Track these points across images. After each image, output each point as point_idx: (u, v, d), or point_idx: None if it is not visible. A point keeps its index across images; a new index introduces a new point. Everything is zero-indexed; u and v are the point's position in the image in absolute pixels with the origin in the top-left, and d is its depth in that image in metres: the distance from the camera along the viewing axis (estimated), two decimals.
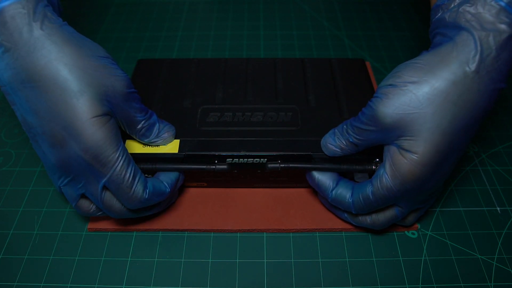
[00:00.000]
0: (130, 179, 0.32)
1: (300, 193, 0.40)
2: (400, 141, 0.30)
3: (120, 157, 0.31)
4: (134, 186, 0.32)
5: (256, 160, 0.37)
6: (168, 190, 0.35)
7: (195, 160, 0.37)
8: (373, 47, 0.58)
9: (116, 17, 0.64)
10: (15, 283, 0.35)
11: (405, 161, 0.30)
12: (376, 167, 0.36)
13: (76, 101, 0.29)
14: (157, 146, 0.37)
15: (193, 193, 0.41)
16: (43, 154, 0.32)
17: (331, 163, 0.36)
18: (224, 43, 0.60)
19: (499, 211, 0.40)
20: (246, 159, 0.37)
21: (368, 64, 0.54)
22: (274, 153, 0.37)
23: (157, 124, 0.36)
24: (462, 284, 0.35)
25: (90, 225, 0.38)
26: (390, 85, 0.30)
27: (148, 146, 0.37)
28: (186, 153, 0.37)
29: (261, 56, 0.57)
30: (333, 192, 0.35)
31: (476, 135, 0.45)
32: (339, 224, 0.38)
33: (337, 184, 0.35)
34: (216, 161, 0.37)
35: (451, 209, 0.40)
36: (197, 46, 0.59)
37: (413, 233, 0.38)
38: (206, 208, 0.39)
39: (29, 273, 0.36)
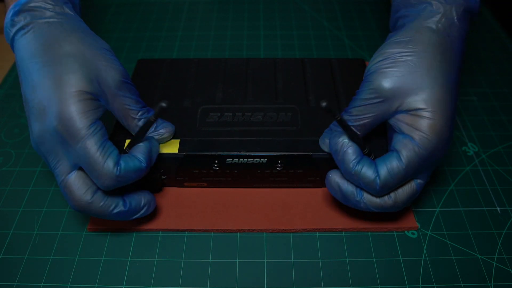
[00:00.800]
0: (100, 153, 0.31)
1: (300, 193, 0.40)
2: (406, 105, 0.33)
3: (92, 132, 0.31)
4: (104, 162, 0.31)
5: (256, 160, 0.37)
6: (144, 165, 0.33)
7: (194, 159, 0.37)
8: (373, 47, 0.58)
9: (116, 17, 0.64)
10: (15, 283, 0.35)
11: (421, 119, 0.32)
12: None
13: (67, 76, 0.32)
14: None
15: (193, 193, 0.41)
16: (32, 133, 0.33)
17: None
18: (224, 43, 0.60)
19: (499, 211, 0.40)
20: (246, 159, 0.37)
21: (368, 64, 0.54)
22: (274, 153, 0.37)
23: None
24: (462, 284, 0.35)
25: (90, 225, 0.38)
26: (380, 60, 0.34)
27: None
28: (186, 153, 0.37)
29: (261, 56, 0.57)
30: (357, 165, 0.32)
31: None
32: (339, 224, 0.38)
33: (360, 158, 0.33)
34: (216, 161, 0.37)
35: (451, 209, 0.40)
36: (197, 46, 0.59)
37: (413, 233, 0.38)
38: (206, 208, 0.39)
39: (29, 273, 0.36)
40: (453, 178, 0.42)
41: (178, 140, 0.38)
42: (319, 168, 0.38)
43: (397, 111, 0.33)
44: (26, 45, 0.34)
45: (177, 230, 0.38)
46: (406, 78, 0.32)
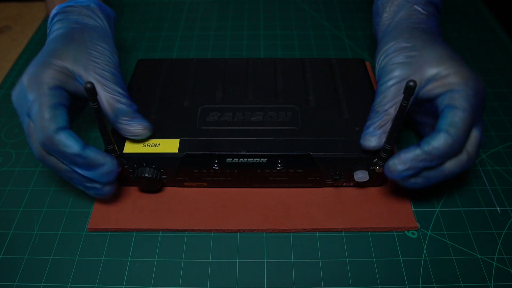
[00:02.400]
0: (48, 111, 0.33)
1: (300, 193, 0.40)
2: (424, 76, 0.35)
3: (51, 92, 0.34)
4: (47, 120, 0.32)
5: (256, 160, 0.37)
6: (76, 151, 0.33)
7: (194, 159, 0.37)
8: (373, 47, 0.58)
9: (116, 17, 0.64)
10: (15, 283, 0.35)
11: (445, 76, 0.35)
12: (377, 166, 0.36)
13: (57, 51, 0.36)
14: (132, 137, 0.37)
15: (193, 193, 0.41)
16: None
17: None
18: (224, 43, 0.60)
19: (499, 211, 0.40)
20: (246, 159, 0.37)
21: (368, 64, 0.54)
22: (274, 153, 0.37)
23: (137, 114, 0.37)
24: (462, 284, 0.35)
25: (90, 225, 0.38)
26: (384, 57, 0.38)
27: (148, 146, 0.37)
28: (186, 152, 0.37)
29: (261, 56, 0.57)
30: (426, 145, 0.33)
31: None
32: (339, 224, 0.38)
33: (422, 144, 0.33)
34: (216, 161, 0.37)
35: (451, 209, 0.40)
36: (197, 46, 0.59)
37: (413, 233, 0.38)
38: (206, 208, 0.39)
39: (29, 273, 0.36)
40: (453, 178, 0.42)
41: (178, 140, 0.38)
42: (319, 168, 0.38)
43: (420, 88, 0.36)
44: (54, 29, 0.40)
45: (177, 230, 0.38)
46: (412, 58, 0.36)
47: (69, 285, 0.35)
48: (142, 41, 0.60)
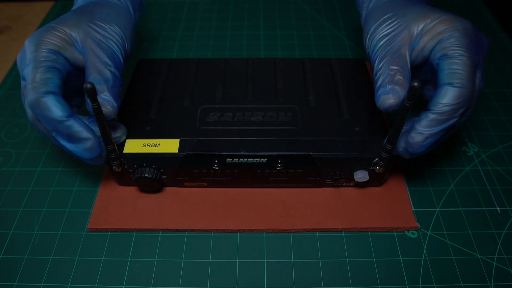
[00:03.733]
0: (40, 73, 0.33)
1: (300, 193, 0.40)
2: (417, 32, 0.35)
3: (46, 55, 0.34)
4: (37, 82, 0.32)
5: (256, 160, 0.37)
6: (62, 118, 0.32)
7: (194, 159, 0.37)
8: None
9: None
10: (15, 283, 0.35)
11: (435, 25, 0.34)
12: (377, 166, 0.36)
13: (67, 16, 0.37)
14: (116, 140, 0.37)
15: (193, 193, 0.41)
16: None
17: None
18: (224, 43, 0.60)
19: (499, 211, 0.40)
20: (246, 159, 0.37)
21: (368, 64, 0.54)
22: (274, 153, 0.37)
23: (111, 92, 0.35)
24: (462, 284, 0.35)
25: (90, 225, 0.38)
26: (374, 27, 0.37)
27: (147, 146, 0.37)
28: (186, 153, 0.37)
29: (261, 56, 0.57)
30: (439, 105, 0.31)
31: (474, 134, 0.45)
32: (339, 224, 0.38)
33: (432, 105, 0.32)
34: (216, 161, 0.37)
35: (451, 209, 0.40)
36: (197, 46, 0.59)
37: (413, 233, 0.38)
38: (206, 208, 0.39)
39: (29, 273, 0.36)
40: (453, 178, 0.42)
41: (178, 140, 0.38)
42: (319, 168, 0.38)
43: (413, 47, 0.35)
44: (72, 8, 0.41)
45: (177, 230, 0.38)
46: (396, 24, 0.36)
47: (69, 285, 0.35)
48: (142, 41, 0.60)
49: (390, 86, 0.33)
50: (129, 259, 0.37)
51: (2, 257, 0.37)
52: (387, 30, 0.36)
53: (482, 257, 0.37)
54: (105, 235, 0.38)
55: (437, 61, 0.33)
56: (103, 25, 0.37)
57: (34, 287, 0.35)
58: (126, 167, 0.38)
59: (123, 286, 0.35)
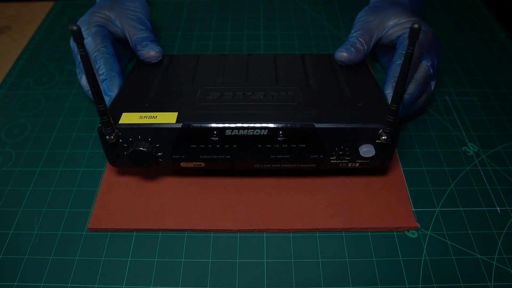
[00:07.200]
0: (99, 39, 0.45)
1: (300, 193, 0.40)
2: (387, 25, 0.46)
3: (97, 29, 0.46)
4: (99, 47, 0.44)
5: (257, 132, 0.35)
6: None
7: (192, 132, 0.36)
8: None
9: None
10: (15, 283, 0.35)
11: (409, 21, 0.45)
12: (383, 136, 0.35)
13: (102, 3, 0.50)
14: (147, 60, 0.45)
15: (193, 193, 0.41)
16: None
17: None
18: (224, 43, 0.60)
19: (499, 211, 0.40)
20: (246, 131, 0.35)
21: (367, 61, 0.54)
22: (275, 125, 0.35)
23: (151, 43, 0.46)
24: (462, 284, 0.35)
25: (90, 225, 0.38)
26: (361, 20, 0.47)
27: (144, 118, 0.36)
28: (184, 122, 0.35)
29: None
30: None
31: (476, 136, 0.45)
32: (339, 224, 0.38)
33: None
34: (215, 133, 0.36)
35: (451, 209, 0.40)
36: (197, 46, 0.59)
37: (413, 233, 0.38)
38: (206, 208, 0.39)
39: (29, 273, 0.36)
40: (453, 178, 0.42)
41: (176, 113, 0.36)
42: (323, 142, 0.36)
43: (383, 33, 0.46)
44: None
45: (177, 230, 0.38)
46: (375, 14, 0.47)
47: (69, 285, 0.35)
48: None
49: (349, 47, 0.44)
50: (129, 259, 0.37)
51: (2, 257, 0.37)
52: (369, 17, 0.46)
53: (482, 257, 0.37)
54: (105, 235, 0.38)
55: (396, 45, 0.45)
56: (129, 4, 0.49)
57: (34, 287, 0.35)
58: (120, 140, 0.36)
59: (123, 286, 0.35)
